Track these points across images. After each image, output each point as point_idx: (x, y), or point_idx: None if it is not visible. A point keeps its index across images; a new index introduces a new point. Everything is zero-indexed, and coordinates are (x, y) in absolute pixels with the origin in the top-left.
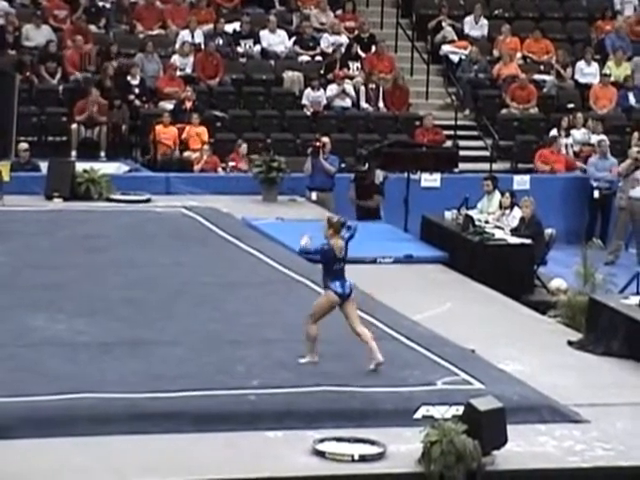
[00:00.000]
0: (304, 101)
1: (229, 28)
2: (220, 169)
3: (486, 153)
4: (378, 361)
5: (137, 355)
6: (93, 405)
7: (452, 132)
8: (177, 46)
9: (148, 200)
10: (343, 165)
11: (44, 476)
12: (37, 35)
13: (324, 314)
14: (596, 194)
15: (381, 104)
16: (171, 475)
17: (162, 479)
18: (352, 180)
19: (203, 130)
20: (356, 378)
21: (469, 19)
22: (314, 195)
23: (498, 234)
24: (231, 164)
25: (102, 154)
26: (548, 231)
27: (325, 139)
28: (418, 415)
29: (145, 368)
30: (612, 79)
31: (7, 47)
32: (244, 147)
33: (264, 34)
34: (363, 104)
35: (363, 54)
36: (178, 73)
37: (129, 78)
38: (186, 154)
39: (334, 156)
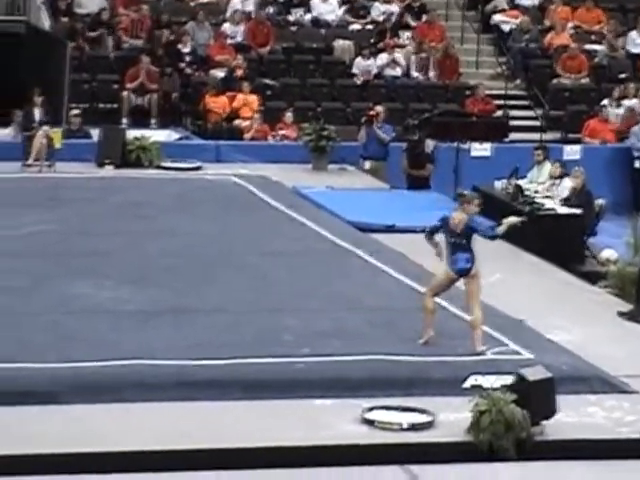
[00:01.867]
0: (354, 70)
1: None
2: (270, 137)
3: (536, 123)
4: (476, 350)
5: (182, 323)
6: (140, 371)
7: (502, 102)
8: (228, 14)
9: (198, 168)
10: (393, 134)
11: (90, 441)
12: (89, 2)
13: (442, 288)
14: (637, 164)
15: (431, 73)
16: (218, 442)
17: (209, 446)
18: (404, 149)
19: (254, 98)
20: (405, 347)
21: None
22: (367, 164)
23: (548, 204)
24: (281, 132)
25: (153, 122)
26: (598, 202)
27: (379, 108)
28: (467, 384)
29: (190, 335)
30: None
31: (60, 14)
32: (289, 115)
33: (315, 2)
34: (413, 73)
35: (414, 23)
36: (229, 41)
37: (180, 46)
38: (236, 122)
39: (388, 125)
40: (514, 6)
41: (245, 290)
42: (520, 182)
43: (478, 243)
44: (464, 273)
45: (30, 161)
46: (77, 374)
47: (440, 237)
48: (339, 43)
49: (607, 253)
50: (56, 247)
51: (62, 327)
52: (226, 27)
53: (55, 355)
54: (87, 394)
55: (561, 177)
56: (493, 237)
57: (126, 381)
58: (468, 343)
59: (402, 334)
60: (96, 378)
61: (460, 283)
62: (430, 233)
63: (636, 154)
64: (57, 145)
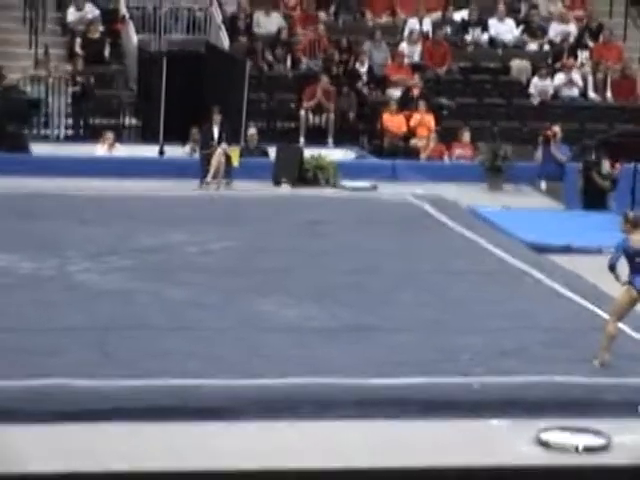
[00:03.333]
0: (531, 90)
1: (457, 16)
2: (446, 156)
3: None
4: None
5: (362, 341)
6: (319, 390)
7: None
8: (405, 34)
9: (374, 187)
10: (569, 154)
11: (268, 457)
12: (268, 22)
13: (625, 311)
14: None
15: (609, 94)
16: (396, 459)
17: (388, 463)
18: (580, 170)
19: (430, 118)
20: (581, 368)
21: None
22: (543, 184)
23: None
24: (457, 152)
25: (330, 140)
26: None
27: (556, 128)
28: None
29: (370, 354)
30: None
31: (239, 34)
32: (467, 135)
33: (492, 22)
34: (591, 93)
35: (591, 43)
36: (406, 61)
37: (357, 65)
38: (413, 141)
39: (565, 145)
40: None
41: (425, 309)
42: None
43: None
44: None
45: (208, 179)
46: (260, 391)
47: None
48: (516, 63)
49: None
50: (237, 264)
51: (248, 343)
52: (403, 47)
53: (240, 371)
54: (266, 411)
55: None
56: None
57: (306, 398)
58: None
59: (578, 355)
60: (277, 395)
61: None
62: (612, 265)
63: None
64: (235, 163)
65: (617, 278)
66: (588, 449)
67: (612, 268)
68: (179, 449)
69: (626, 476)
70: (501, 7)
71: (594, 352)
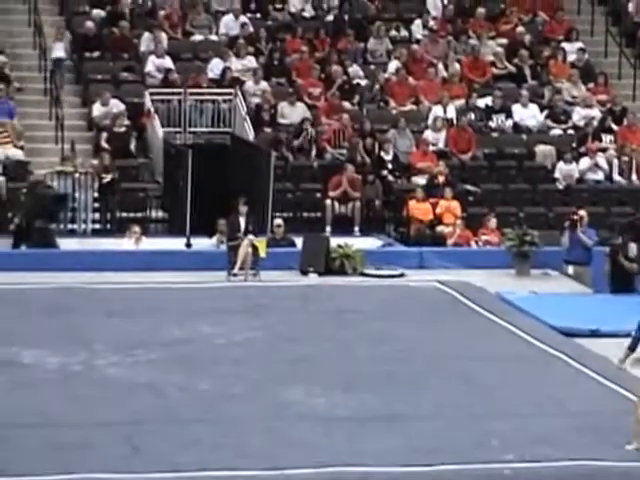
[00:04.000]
0: (556, 174)
1: (481, 103)
2: (473, 243)
3: None
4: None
5: (393, 429)
6: (349, 478)
7: None
8: (430, 121)
9: (402, 275)
10: (596, 238)
11: None
12: (292, 113)
13: None
14: None
15: (634, 177)
16: None
17: None
18: (607, 254)
19: (456, 205)
20: (613, 452)
21: None
22: (570, 269)
23: None
24: (484, 238)
25: (356, 229)
26: None
27: (582, 212)
28: None
29: (400, 442)
30: None
31: (264, 125)
32: (493, 221)
33: (516, 108)
34: (616, 177)
35: (615, 127)
36: (431, 148)
37: (382, 153)
38: (439, 228)
39: (591, 229)
40: None
41: (455, 395)
42: None
43: None
44: None
45: (235, 270)
46: None
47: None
48: (540, 148)
49: None
50: (264, 354)
51: (277, 433)
52: (428, 134)
53: (267, 461)
54: None
55: None
56: None
57: None
58: None
59: (609, 439)
60: None
61: None
62: (632, 346)
63: None
64: (262, 254)
65: (625, 358)
66: None
67: (632, 348)
68: None
69: None
70: (524, 93)
71: (626, 436)
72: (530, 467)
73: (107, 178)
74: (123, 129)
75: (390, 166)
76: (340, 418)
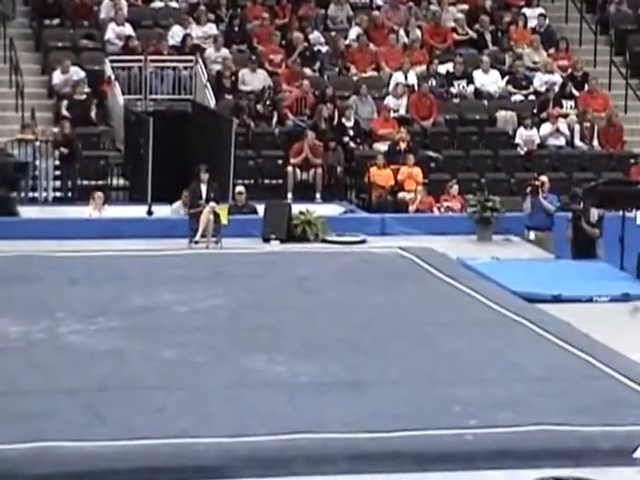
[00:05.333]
0: (518, 140)
1: (442, 69)
2: (435, 209)
3: None
4: None
5: (355, 395)
6: (311, 445)
7: None
8: (391, 88)
9: (363, 241)
10: (558, 204)
11: None
12: (253, 79)
13: None
14: None
15: (595, 142)
16: None
17: None
18: (569, 219)
19: (418, 171)
20: (573, 416)
21: None
22: (532, 234)
23: None
24: (445, 204)
25: (317, 196)
26: None
27: (544, 178)
28: (638, 454)
29: (362, 408)
30: None
31: (225, 92)
32: (455, 187)
33: (477, 74)
34: (577, 143)
35: (577, 92)
36: (392, 115)
37: (344, 120)
38: (401, 195)
39: (553, 195)
40: None
41: (416, 361)
42: None
43: None
44: None
45: (197, 237)
46: (250, 448)
47: None
48: (501, 114)
49: None
50: (226, 322)
51: (238, 401)
52: (389, 100)
53: (230, 429)
54: (260, 468)
55: None
56: None
57: (298, 455)
58: (636, 412)
59: (571, 404)
60: (268, 452)
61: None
62: None
63: None
64: (223, 221)
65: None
66: None
67: None
68: None
69: None
70: (485, 59)
71: (587, 401)
72: (492, 432)
73: (65, 151)
74: (83, 97)
75: (351, 133)
76: (303, 385)
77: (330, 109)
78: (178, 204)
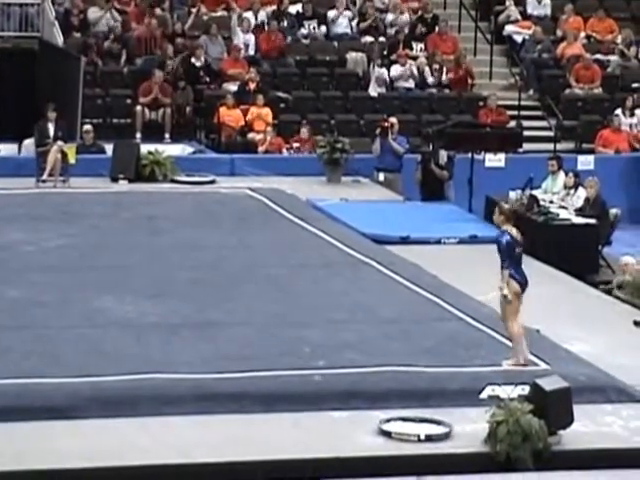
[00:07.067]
0: (368, 82)
1: (293, 9)
2: (284, 150)
3: (550, 133)
4: (516, 362)
5: (203, 336)
6: (158, 386)
7: (516, 112)
8: (237, 21)
9: (213, 182)
10: (407, 146)
11: (109, 456)
12: (102, 18)
13: (519, 307)
14: None
15: (445, 84)
16: (236, 455)
17: (228, 459)
18: (418, 161)
19: (267, 111)
20: (422, 358)
21: None
22: (381, 176)
23: (562, 214)
24: (295, 145)
25: (166, 136)
26: (613, 211)
27: (393, 119)
28: (484, 395)
29: (211, 349)
30: None
31: (73, 30)
32: (304, 130)
33: (328, 15)
34: (429, 79)
35: (427, 34)
36: (242, 54)
37: (193, 60)
38: (250, 135)
39: (402, 137)
40: (526, 17)
41: (266, 303)
42: (534, 192)
43: (494, 254)
44: (527, 284)
45: (44, 176)
46: (96, 388)
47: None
48: (352, 55)
49: (627, 259)
50: (74, 262)
51: (86, 341)
52: (238, 34)
53: (77, 369)
54: (105, 408)
55: (575, 187)
56: None
57: (144, 395)
58: (483, 353)
59: (418, 345)
60: (115, 392)
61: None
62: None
63: None
64: (71, 160)
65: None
66: (429, 438)
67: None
68: (17, 450)
69: (467, 464)
70: None
71: (435, 342)
72: (340, 373)
73: None
74: None
75: (201, 72)
76: (151, 325)
77: (180, 49)
78: (30, 141)
